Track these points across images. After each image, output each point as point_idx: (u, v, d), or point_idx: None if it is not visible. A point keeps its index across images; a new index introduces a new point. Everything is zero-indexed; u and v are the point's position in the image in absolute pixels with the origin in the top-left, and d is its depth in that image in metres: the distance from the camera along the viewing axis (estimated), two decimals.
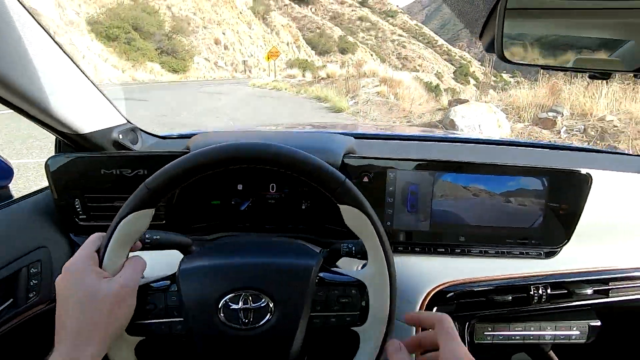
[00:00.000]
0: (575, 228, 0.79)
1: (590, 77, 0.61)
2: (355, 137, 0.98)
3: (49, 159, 0.76)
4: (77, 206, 0.78)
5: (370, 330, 0.52)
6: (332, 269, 0.57)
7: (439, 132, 1.97)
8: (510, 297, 0.77)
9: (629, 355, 1.02)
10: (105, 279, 0.47)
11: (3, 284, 0.66)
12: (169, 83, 20.30)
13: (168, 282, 0.53)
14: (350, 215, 0.51)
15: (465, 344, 0.79)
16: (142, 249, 0.57)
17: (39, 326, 0.70)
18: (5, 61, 0.55)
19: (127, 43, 24.61)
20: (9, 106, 0.62)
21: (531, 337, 0.82)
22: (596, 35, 0.72)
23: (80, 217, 0.78)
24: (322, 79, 16.19)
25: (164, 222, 0.80)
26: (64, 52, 0.66)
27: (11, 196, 0.79)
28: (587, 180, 0.77)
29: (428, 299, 0.74)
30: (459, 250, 0.79)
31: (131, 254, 0.51)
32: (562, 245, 0.80)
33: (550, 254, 0.80)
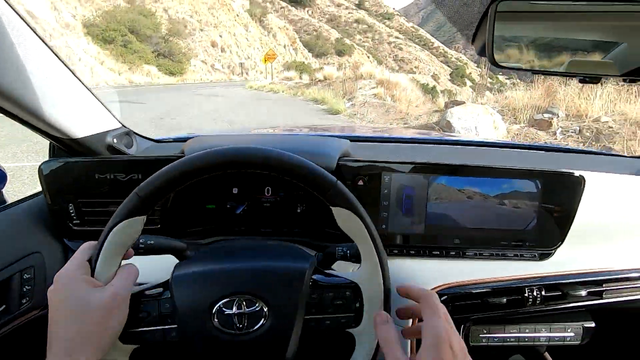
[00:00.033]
0: (569, 230, 0.79)
1: (580, 81, 0.62)
2: (351, 140, 0.98)
3: (42, 163, 0.76)
4: (70, 211, 0.77)
5: (365, 332, 0.52)
6: (326, 271, 0.57)
7: (435, 134, 1.98)
8: (505, 299, 0.77)
9: (623, 356, 1.02)
10: (97, 288, 0.46)
11: None
12: (164, 86, 20.26)
13: (161, 289, 0.52)
14: (342, 217, 0.51)
15: None
16: (136, 254, 0.57)
17: (32, 333, 0.70)
18: None
19: (124, 46, 24.59)
20: (1, 111, 0.62)
21: (526, 339, 0.82)
22: (588, 38, 0.73)
23: (74, 222, 0.78)
24: (319, 81, 16.22)
25: (159, 226, 0.79)
26: (57, 55, 0.66)
27: (5, 201, 0.78)
28: (580, 182, 0.77)
29: None
30: (453, 253, 0.80)
31: (123, 262, 0.51)
32: (556, 247, 0.80)
33: (544, 256, 0.80)
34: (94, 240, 0.50)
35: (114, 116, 0.85)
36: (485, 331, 0.81)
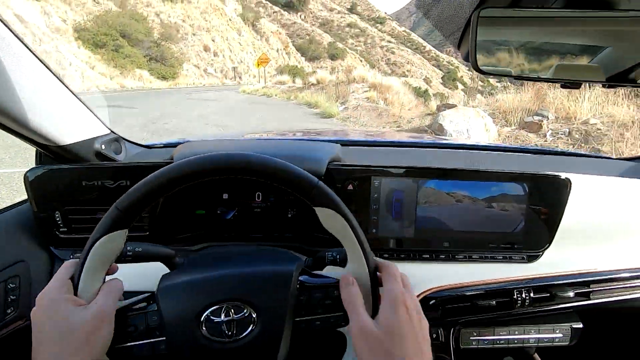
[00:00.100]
0: (556, 232, 0.80)
1: (562, 86, 0.63)
2: (342, 145, 0.98)
3: (28, 170, 0.75)
4: (57, 219, 0.76)
5: None
6: (313, 272, 0.57)
7: (427, 138, 2.00)
8: (494, 302, 0.78)
9: (611, 356, 1.03)
10: (80, 307, 0.46)
11: None
12: (156, 90, 20.15)
13: (146, 303, 0.52)
14: (326, 216, 0.51)
15: (451, 349, 0.79)
16: (124, 262, 0.56)
17: (17, 343, 0.68)
18: None
19: (115, 50, 24.43)
20: None
21: (515, 341, 0.82)
22: (572, 42, 0.74)
23: (60, 229, 0.77)
24: (312, 85, 16.26)
25: (148, 233, 0.79)
26: (42, 61, 0.65)
27: None
28: (566, 185, 0.78)
29: None
30: (443, 256, 0.80)
31: (108, 277, 0.50)
32: (544, 249, 0.81)
33: (532, 258, 0.81)
34: (80, 247, 0.50)
35: (102, 122, 0.84)
36: (475, 334, 0.82)
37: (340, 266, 0.62)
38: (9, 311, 0.68)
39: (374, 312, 0.50)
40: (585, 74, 0.72)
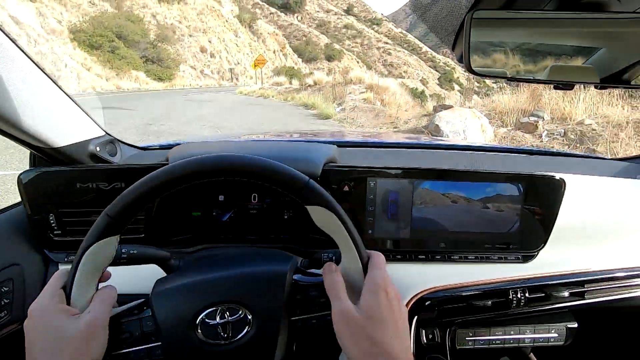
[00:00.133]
0: (551, 232, 0.81)
1: (555, 87, 0.63)
2: (339, 146, 0.98)
3: (21, 173, 0.75)
4: (51, 221, 0.76)
5: None
6: (307, 270, 0.57)
7: (424, 139, 2.01)
8: (489, 302, 0.78)
9: (606, 355, 1.04)
10: (73, 317, 0.45)
11: None
12: (152, 92, 20.08)
13: (138, 310, 0.52)
14: (317, 214, 0.51)
15: (447, 350, 0.80)
16: (119, 265, 0.56)
17: (10, 346, 0.68)
18: None
19: (111, 51, 24.34)
20: None
21: (511, 341, 0.83)
22: (566, 43, 0.75)
23: (55, 232, 0.76)
24: (309, 86, 16.28)
25: (143, 235, 0.78)
26: (35, 63, 0.65)
27: None
28: (560, 185, 0.79)
29: (409, 307, 0.74)
30: (439, 257, 0.80)
31: (101, 285, 0.50)
32: (539, 249, 0.81)
33: (527, 258, 0.81)
34: (74, 250, 0.49)
35: (97, 124, 0.84)
36: (471, 334, 0.82)
37: None
38: (2, 315, 0.67)
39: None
40: (580, 76, 0.72)
